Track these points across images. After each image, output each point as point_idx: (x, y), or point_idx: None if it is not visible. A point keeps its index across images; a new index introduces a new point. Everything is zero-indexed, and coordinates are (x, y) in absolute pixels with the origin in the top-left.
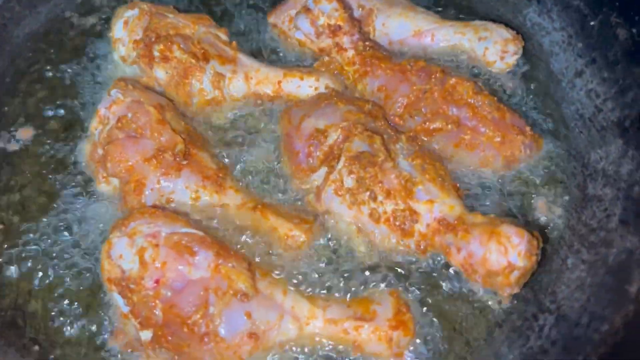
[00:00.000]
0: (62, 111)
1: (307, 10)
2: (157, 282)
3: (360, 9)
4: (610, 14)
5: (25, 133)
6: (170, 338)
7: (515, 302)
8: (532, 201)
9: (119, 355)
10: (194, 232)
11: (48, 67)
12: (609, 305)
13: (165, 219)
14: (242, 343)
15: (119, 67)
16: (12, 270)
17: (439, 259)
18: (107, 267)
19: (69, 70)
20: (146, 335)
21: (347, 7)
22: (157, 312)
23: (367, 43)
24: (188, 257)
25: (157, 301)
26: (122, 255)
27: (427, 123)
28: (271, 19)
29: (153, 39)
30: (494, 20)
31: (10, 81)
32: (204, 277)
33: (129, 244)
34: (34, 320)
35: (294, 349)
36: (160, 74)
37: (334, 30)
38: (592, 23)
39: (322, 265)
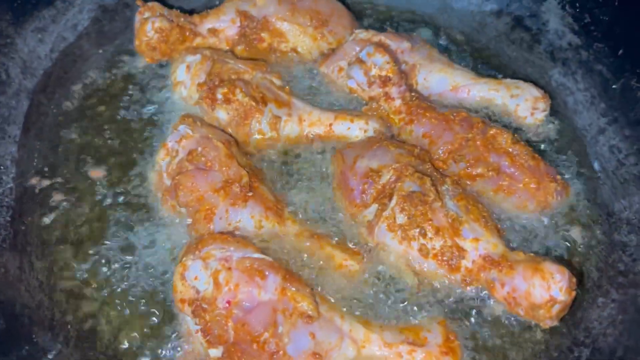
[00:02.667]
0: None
1: (360, 61)
2: (229, 302)
3: (404, 64)
4: (631, 79)
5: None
6: (240, 355)
7: (551, 336)
8: (561, 243)
9: None
10: (263, 257)
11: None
12: None
13: (236, 244)
14: None
15: (177, 106)
16: (83, 287)
17: (481, 292)
18: (180, 288)
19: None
20: (215, 353)
21: (396, 61)
22: (229, 330)
23: (413, 94)
24: (258, 280)
25: (230, 320)
26: (197, 277)
27: (470, 168)
28: (322, 68)
29: (217, 83)
30: (522, 79)
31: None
32: (272, 299)
33: (203, 266)
34: (104, 337)
35: None
36: (222, 114)
37: (385, 81)
38: (614, 86)
39: (373, 293)
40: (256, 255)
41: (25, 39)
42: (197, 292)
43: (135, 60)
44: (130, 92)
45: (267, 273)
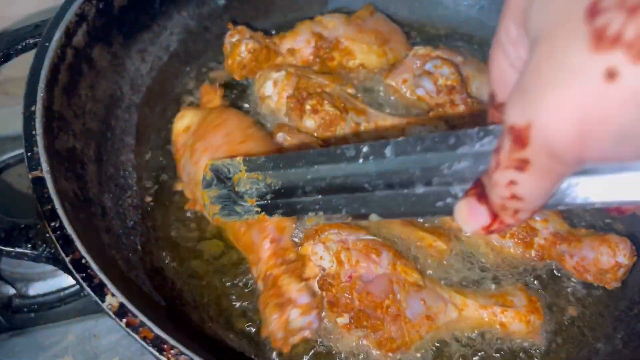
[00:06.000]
0: None
1: (429, 73)
2: (350, 276)
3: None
4: None
5: None
6: (367, 319)
7: (611, 298)
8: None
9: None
10: (374, 238)
11: None
12: None
13: (349, 229)
14: (422, 323)
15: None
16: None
17: (551, 264)
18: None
19: None
20: (342, 320)
21: (459, 72)
22: (354, 300)
23: (473, 99)
24: (374, 256)
25: (354, 291)
26: (322, 257)
27: None
28: (387, 80)
29: (305, 95)
30: None
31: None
32: (387, 272)
33: (325, 248)
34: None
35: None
36: (310, 122)
37: (450, 89)
38: None
39: (460, 269)
40: (368, 237)
41: (131, 59)
42: (323, 269)
43: (218, 76)
44: None
45: (381, 250)
